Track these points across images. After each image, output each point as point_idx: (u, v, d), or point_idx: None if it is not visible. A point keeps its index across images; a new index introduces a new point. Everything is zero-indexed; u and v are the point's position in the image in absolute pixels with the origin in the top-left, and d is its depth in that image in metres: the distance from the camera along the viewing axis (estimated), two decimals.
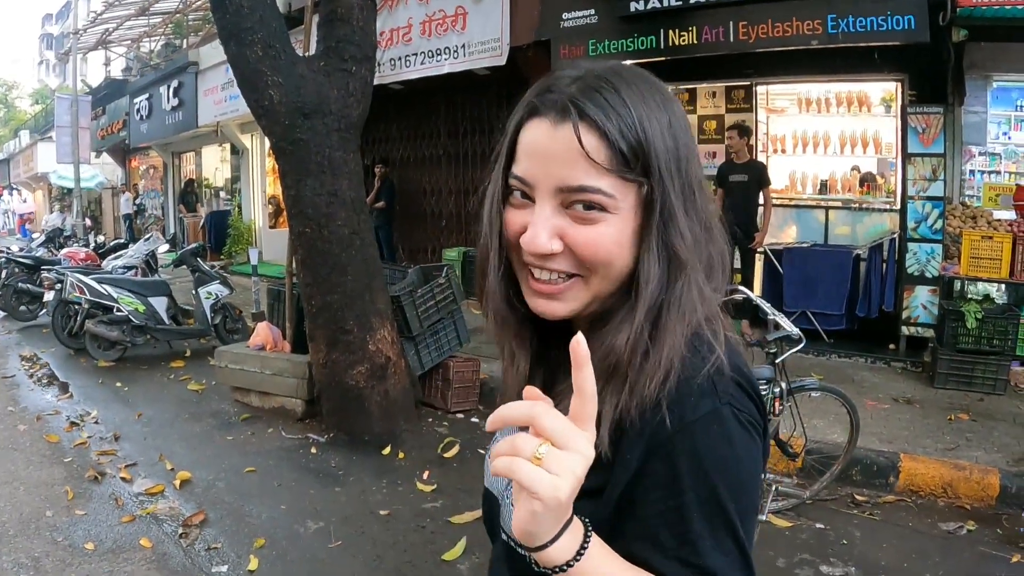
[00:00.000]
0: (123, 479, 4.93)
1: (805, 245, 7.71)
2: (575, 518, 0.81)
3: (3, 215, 39.01)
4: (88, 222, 27.30)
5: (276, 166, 5.46)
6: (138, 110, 19.61)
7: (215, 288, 8.65)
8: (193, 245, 8.97)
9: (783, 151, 8.61)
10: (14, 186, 38.37)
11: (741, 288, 4.28)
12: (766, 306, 3.85)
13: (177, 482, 4.84)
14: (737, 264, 7.64)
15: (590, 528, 0.83)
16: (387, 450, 5.19)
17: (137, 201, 23.06)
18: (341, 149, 4.99)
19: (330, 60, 5.07)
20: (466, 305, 9.88)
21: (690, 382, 0.88)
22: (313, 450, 5.33)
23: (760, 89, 8.34)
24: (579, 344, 0.76)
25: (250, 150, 16.23)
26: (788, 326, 3.78)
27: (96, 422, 6.14)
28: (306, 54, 5.47)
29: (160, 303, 8.55)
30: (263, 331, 6.35)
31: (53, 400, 6.85)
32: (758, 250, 7.51)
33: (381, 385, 5.24)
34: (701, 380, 0.88)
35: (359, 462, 5.14)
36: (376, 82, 10.27)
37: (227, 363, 6.46)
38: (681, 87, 8.59)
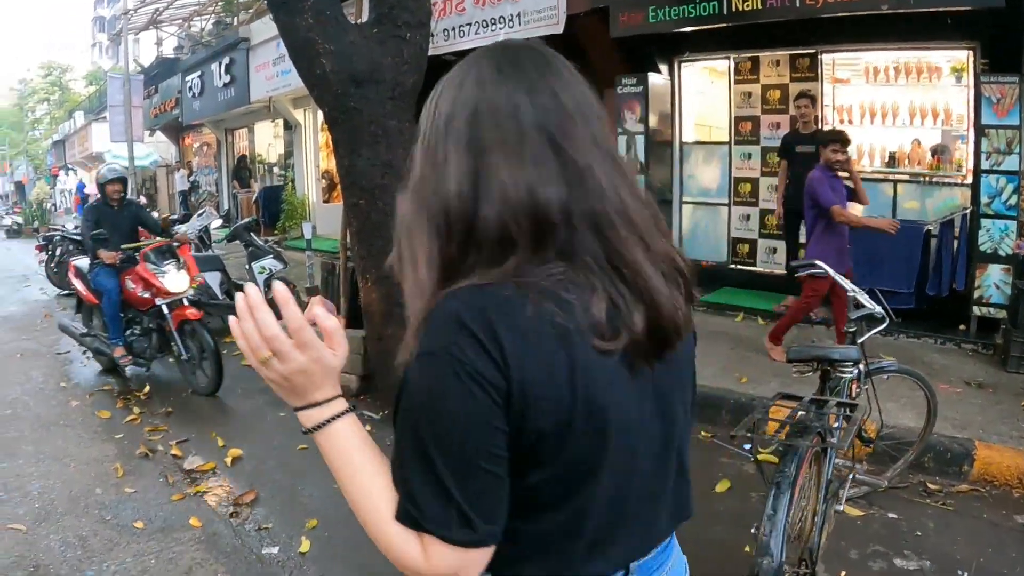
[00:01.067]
0: (174, 456, 4.93)
1: None
2: (337, 401, 1.08)
3: (60, 195, 39.83)
4: (144, 199, 27.87)
5: (330, 139, 5.36)
6: (190, 88, 19.76)
7: (268, 263, 8.64)
8: (247, 220, 8.96)
9: (849, 122, 8.27)
10: (70, 166, 39.08)
11: (820, 264, 4.05)
12: (846, 283, 3.62)
13: (228, 459, 4.81)
14: (802, 239, 7.38)
15: (346, 413, 1.08)
16: None
17: (191, 178, 23.34)
18: (395, 118, 4.85)
19: (383, 27, 4.93)
20: None
21: (425, 322, 0.97)
22: (368, 428, 5.24)
23: (826, 58, 8.00)
24: (276, 291, 1.05)
25: (303, 125, 16.25)
26: (870, 304, 3.55)
27: (148, 398, 6.16)
28: (358, 21, 5.34)
29: (214, 278, 8.57)
30: (317, 305, 6.29)
31: (106, 376, 6.90)
32: None
33: None
34: (427, 322, 0.96)
35: None
36: (430, 53, 10.16)
37: None
38: (744, 55, 8.31)
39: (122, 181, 6.73)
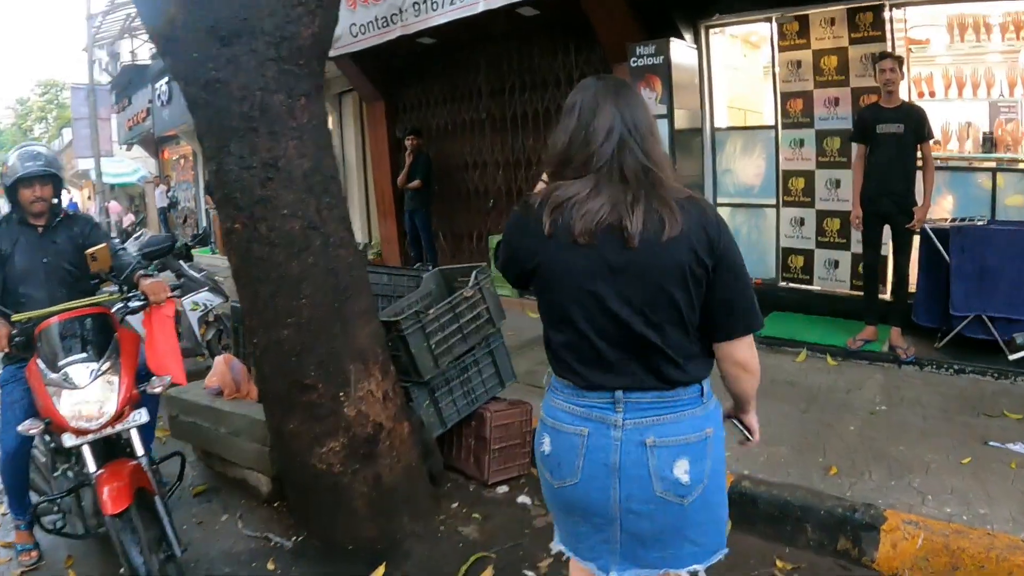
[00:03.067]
0: None
1: (980, 222, 5.51)
2: None
3: None
4: (132, 217, 26.20)
5: None
6: (159, 96, 18.06)
7: (203, 297, 6.88)
8: (167, 243, 7.12)
9: (930, 94, 6.43)
10: (64, 185, 37.58)
11: None
12: None
13: None
14: (886, 249, 5.54)
15: None
16: (380, 571, 3.27)
17: (170, 194, 21.66)
18: (283, 90, 3.01)
19: None
20: (520, 308, 8.00)
21: None
22: (271, 566, 3.44)
23: (896, 13, 6.13)
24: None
25: None
26: None
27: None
28: None
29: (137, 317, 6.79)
30: (220, 368, 4.49)
31: None
32: (916, 230, 5.36)
33: (368, 469, 3.32)
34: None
35: None
36: (399, 33, 8.40)
37: (179, 413, 4.64)
38: (788, 15, 6.46)
39: (48, 179, 3.54)
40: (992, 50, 6.21)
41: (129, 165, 28.74)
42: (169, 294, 3.51)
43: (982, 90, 6.28)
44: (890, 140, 5.20)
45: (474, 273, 4.00)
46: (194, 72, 3.03)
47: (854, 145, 5.56)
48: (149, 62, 19.78)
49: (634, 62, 6.35)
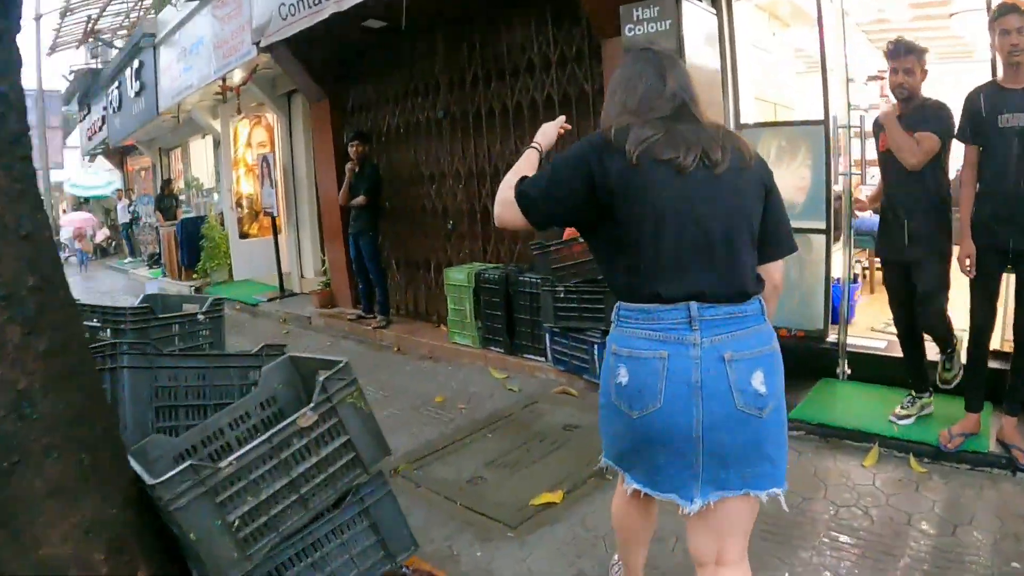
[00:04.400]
0: None
1: None
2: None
3: None
4: (106, 232, 24.47)
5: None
6: (111, 102, 16.36)
7: None
8: None
9: None
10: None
11: None
12: None
13: None
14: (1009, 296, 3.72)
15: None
16: None
17: (131, 208, 19.90)
18: None
19: None
20: (483, 364, 6.20)
21: None
22: None
23: None
24: None
25: (230, 138, 12.75)
26: None
27: None
28: None
29: None
30: None
31: None
32: None
33: None
34: None
35: None
36: (331, 11, 6.47)
37: None
38: None
39: None
40: None
41: (103, 177, 26.89)
42: None
43: None
44: (1018, 138, 3.39)
45: (320, 382, 2.16)
46: None
47: (959, 146, 3.74)
48: (100, 66, 18.06)
49: (630, 30, 4.52)
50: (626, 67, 2.01)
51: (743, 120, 5.12)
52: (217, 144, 13.36)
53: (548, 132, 2.28)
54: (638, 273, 1.81)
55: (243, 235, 11.09)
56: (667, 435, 1.77)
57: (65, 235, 23.27)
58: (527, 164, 2.11)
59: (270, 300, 10.27)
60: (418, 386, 5.75)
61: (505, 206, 1.94)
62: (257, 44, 8.16)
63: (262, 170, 10.61)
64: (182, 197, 16.49)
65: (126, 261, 19.35)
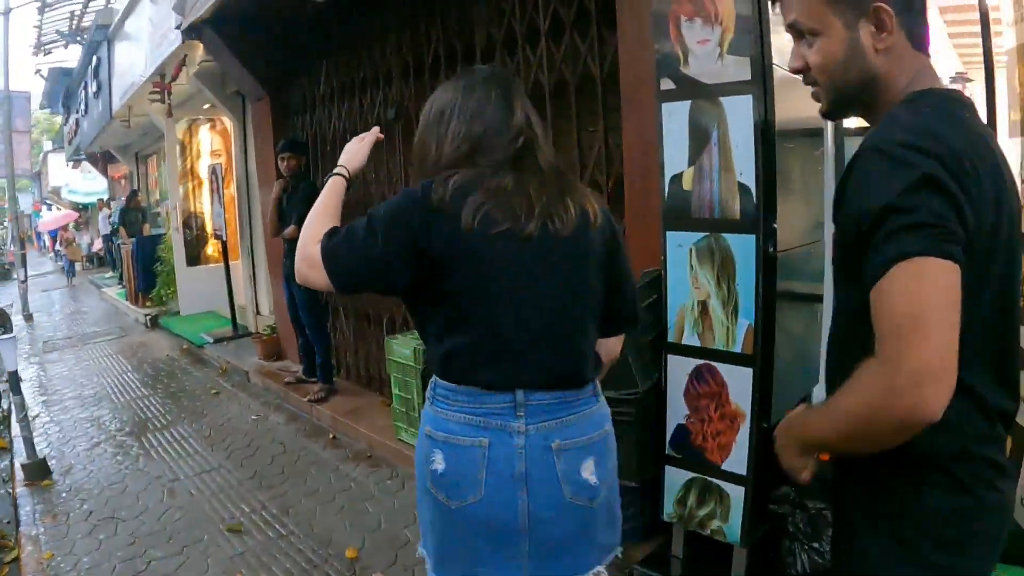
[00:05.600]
0: None
1: None
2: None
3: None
4: (100, 243, 22.93)
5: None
6: (80, 104, 14.79)
7: None
8: None
9: None
10: (47, 201, 35.16)
11: None
12: None
13: None
14: None
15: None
16: None
17: (111, 219, 18.29)
18: None
19: None
20: None
21: None
22: None
23: None
24: None
25: (189, 145, 10.99)
26: None
27: None
28: None
29: None
30: None
31: None
32: None
33: None
34: None
35: None
36: None
37: None
38: None
39: None
40: None
41: (102, 183, 25.39)
42: None
43: None
44: None
45: None
46: None
47: None
48: (73, 65, 16.41)
49: None
50: (459, 90, 1.66)
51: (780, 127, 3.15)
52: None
53: (357, 152, 1.86)
54: (462, 353, 1.59)
55: (192, 260, 9.28)
56: (488, 527, 1.60)
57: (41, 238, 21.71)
58: (333, 199, 1.75)
59: (218, 341, 8.44)
60: (332, 518, 3.88)
61: (309, 265, 1.60)
62: (179, 28, 6.38)
63: (211, 184, 8.83)
64: (157, 210, 14.81)
65: (107, 276, 17.74)
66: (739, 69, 2.35)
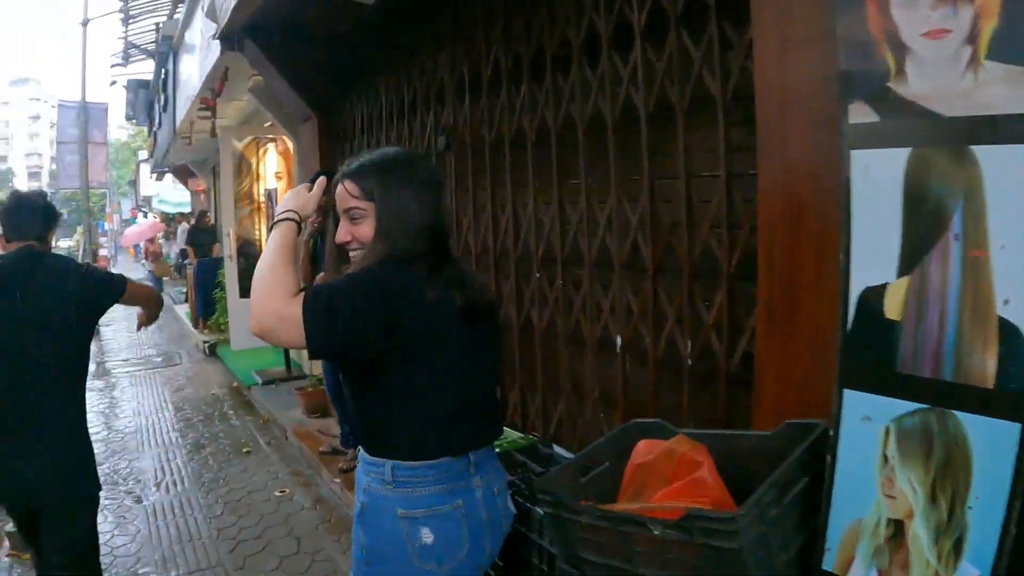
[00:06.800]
0: None
1: None
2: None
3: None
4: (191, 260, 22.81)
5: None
6: (157, 116, 14.49)
7: None
8: None
9: None
10: (142, 208, 35.93)
11: None
12: None
13: None
14: None
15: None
16: None
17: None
18: None
19: None
20: None
21: None
22: None
23: None
24: None
25: (255, 165, 10.29)
26: None
27: None
28: None
29: None
30: None
31: None
32: None
33: None
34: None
35: None
36: None
37: None
38: None
39: None
40: None
41: (186, 194, 25.31)
42: None
43: None
44: None
45: None
46: None
47: None
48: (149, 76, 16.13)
49: None
50: (423, 170, 1.80)
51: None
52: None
53: (307, 198, 1.79)
54: (427, 427, 1.72)
55: (245, 292, 8.51)
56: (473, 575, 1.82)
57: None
58: (288, 247, 1.70)
59: (268, 382, 7.63)
60: None
61: (280, 320, 1.55)
62: (214, 37, 5.60)
63: (267, 210, 8.07)
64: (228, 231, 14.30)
65: (183, 290, 17.41)
66: (1012, 89, 1.22)
